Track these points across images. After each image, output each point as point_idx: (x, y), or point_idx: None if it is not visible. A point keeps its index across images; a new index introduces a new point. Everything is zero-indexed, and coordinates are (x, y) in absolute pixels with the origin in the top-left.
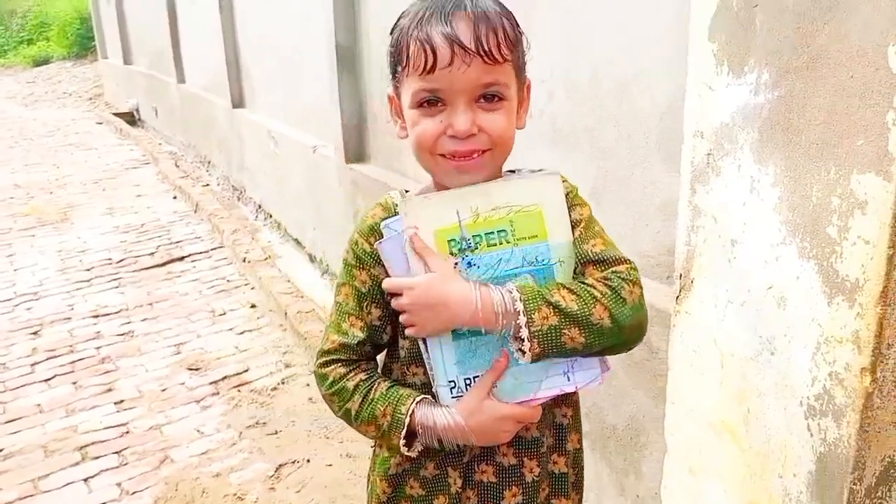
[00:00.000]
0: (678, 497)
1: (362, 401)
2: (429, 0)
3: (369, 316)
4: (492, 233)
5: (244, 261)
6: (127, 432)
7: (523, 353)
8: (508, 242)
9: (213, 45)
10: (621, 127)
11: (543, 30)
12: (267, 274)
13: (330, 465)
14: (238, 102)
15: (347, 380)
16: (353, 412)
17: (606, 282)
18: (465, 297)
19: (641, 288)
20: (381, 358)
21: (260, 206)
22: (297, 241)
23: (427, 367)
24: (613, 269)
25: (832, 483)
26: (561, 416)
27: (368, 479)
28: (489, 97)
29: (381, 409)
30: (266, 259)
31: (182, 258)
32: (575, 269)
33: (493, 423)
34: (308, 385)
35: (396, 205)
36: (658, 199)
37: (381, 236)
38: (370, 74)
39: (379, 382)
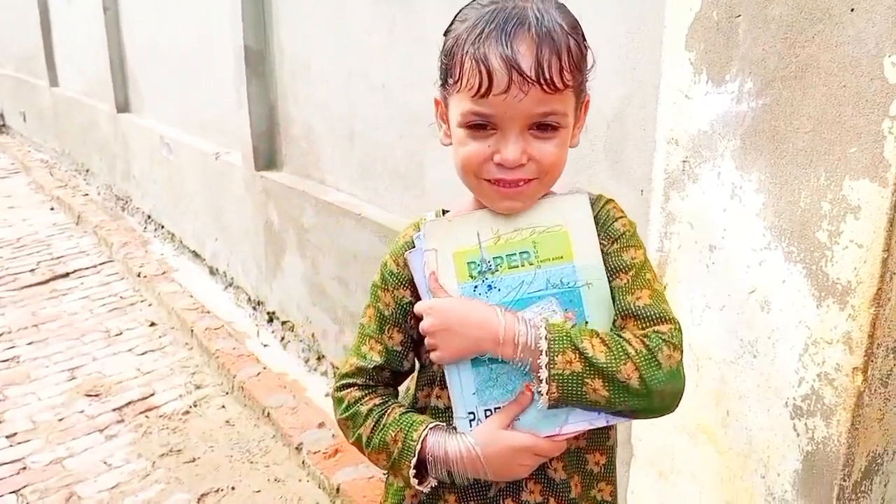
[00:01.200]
0: (645, 500)
1: (374, 426)
2: (490, 7)
3: (391, 340)
4: (513, 254)
5: (139, 275)
6: (24, 468)
7: (540, 394)
8: (531, 264)
9: (94, 46)
10: None
11: None
12: (166, 289)
13: (258, 492)
14: (123, 107)
15: (361, 404)
16: (364, 438)
17: (644, 340)
18: (488, 321)
19: (682, 353)
20: (403, 387)
21: (149, 217)
22: (195, 253)
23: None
24: (655, 328)
25: (820, 480)
26: (593, 463)
27: None
28: (544, 126)
29: (393, 434)
30: (163, 273)
31: (67, 274)
32: (614, 321)
33: (510, 455)
34: (223, 407)
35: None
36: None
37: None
38: (281, 77)
39: (393, 407)
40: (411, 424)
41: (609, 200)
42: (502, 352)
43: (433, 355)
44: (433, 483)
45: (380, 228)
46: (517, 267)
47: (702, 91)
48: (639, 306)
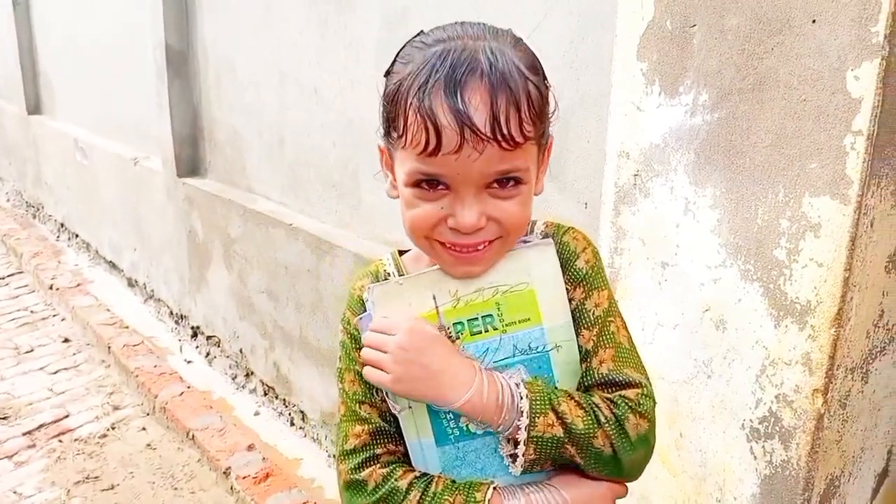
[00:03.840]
0: None
1: (421, 497)
2: (437, 48)
3: (383, 404)
4: (475, 319)
5: (51, 288)
6: None
7: (514, 458)
8: (496, 329)
9: (2, 43)
10: None
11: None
12: (80, 303)
13: None
14: (34, 108)
15: (396, 480)
16: None
17: (612, 407)
18: (464, 376)
19: (650, 421)
20: None
21: (63, 225)
22: (113, 264)
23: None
24: (622, 392)
25: None
26: None
27: None
28: (504, 181)
29: (450, 499)
30: (77, 286)
31: None
32: (579, 383)
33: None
34: (144, 429)
35: (386, 272)
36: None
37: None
38: (206, 79)
39: (439, 478)
40: (471, 485)
41: (567, 230)
42: (481, 415)
43: (377, 375)
44: None
45: (312, 239)
46: (480, 333)
47: (654, 103)
48: (602, 373)
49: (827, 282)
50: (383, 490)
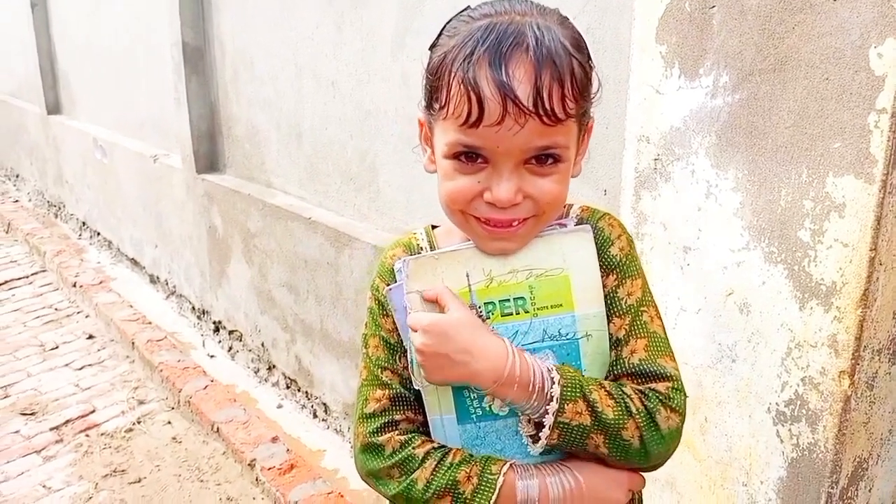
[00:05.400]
0: None
1: (437, 466)
2: (483, 21)
3: (405, 371)
4: (507, 300)
5: (74, 285)
6: None
7: (536, 440)
8: (527, 312)
9: (20, 46)
10: None
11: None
12: (104, 300)
13: None
14: (54, 108)
15: (414, 448)
16: (422, 482)
17: (643, 399)
18: (496, 356)
19: (681, 415)
20: None
21: (84, 224)
22: (134, 261)
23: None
24: (652, 385)
25: (806, 488)
26: None
27: None
28: (543, 159)
29: (466, 471)
30: (100, 283)
31: None
32: (608, 373)
33: (611, 490)
34: (169, 423)
35: (419, 245)
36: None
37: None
38: (223, 75)
39: (457, 450)
40: (487, 459)
41: (603, 216)
42: (513, 395)
43: (418, 372)
44: None
45: (331, 232)
46: (511, 315)
47: (674, 86)
48: (634, 363)
49: (852, 262)
50: (399, 456)
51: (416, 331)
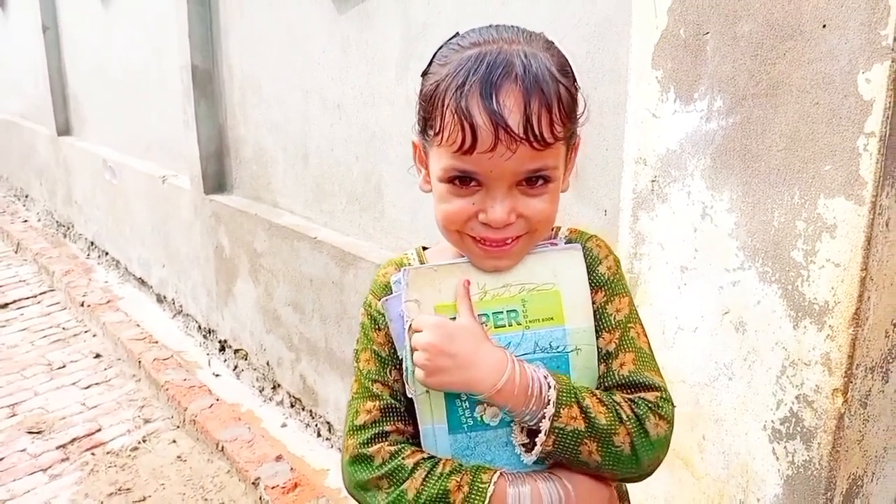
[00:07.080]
0: None
1: (427, 476)
2: (473, 50)
3: (396, 383)
4: (500, 312)
5: (82, 305)
6: None
7: (530, 448)
8: (519, 324)
9: (32, 68)
10: None
11: None
12: (111, 319)
13: None
14: (64, 130)
15: (404, 458)
16: (411, 493)
17: (632, 406)
18: (496, 363)
19: (670, 423)
20: None
21: (93, 244)
22: (142, 281)
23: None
24: (641, 394)
25: None
26: None
27: None
28: (533, 179)
29: (456, 480)
30: (107, 302)
31: (6, 305)
32: (597, 386)
33: (596, 501)
34: (175, 442)
35: (411, 265)
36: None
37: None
38: (231, 97)
39: (446, 460)
40: (478, 468)
41: (590, 237)
42: (512, 403)
43: (417, 373)
44: None
45: (336, 252)
46: (504, 326)
47: (670, 110)
48: (623, 375)
49: (844, 282)
50: (389, 466)
51: (420, 331)
